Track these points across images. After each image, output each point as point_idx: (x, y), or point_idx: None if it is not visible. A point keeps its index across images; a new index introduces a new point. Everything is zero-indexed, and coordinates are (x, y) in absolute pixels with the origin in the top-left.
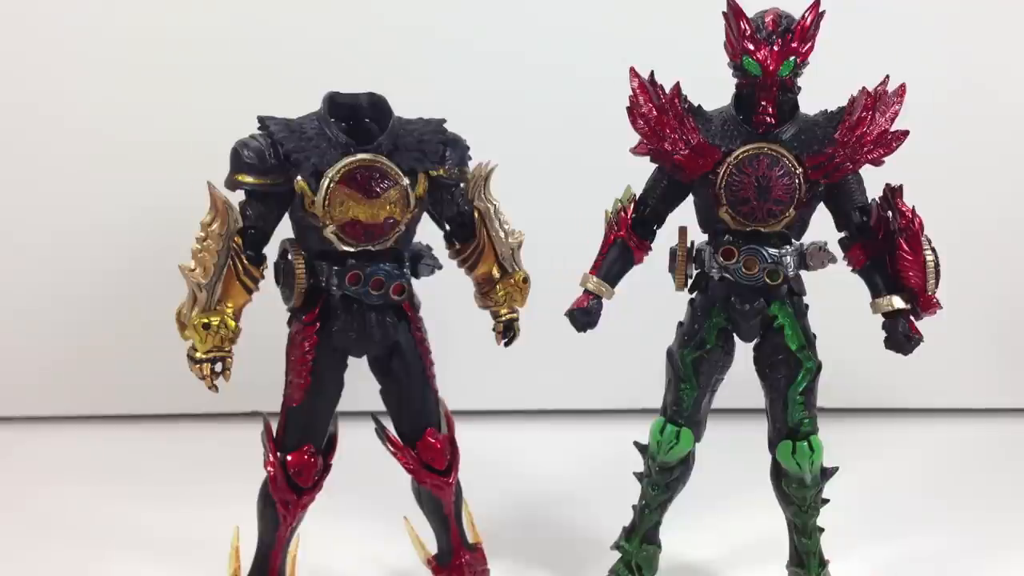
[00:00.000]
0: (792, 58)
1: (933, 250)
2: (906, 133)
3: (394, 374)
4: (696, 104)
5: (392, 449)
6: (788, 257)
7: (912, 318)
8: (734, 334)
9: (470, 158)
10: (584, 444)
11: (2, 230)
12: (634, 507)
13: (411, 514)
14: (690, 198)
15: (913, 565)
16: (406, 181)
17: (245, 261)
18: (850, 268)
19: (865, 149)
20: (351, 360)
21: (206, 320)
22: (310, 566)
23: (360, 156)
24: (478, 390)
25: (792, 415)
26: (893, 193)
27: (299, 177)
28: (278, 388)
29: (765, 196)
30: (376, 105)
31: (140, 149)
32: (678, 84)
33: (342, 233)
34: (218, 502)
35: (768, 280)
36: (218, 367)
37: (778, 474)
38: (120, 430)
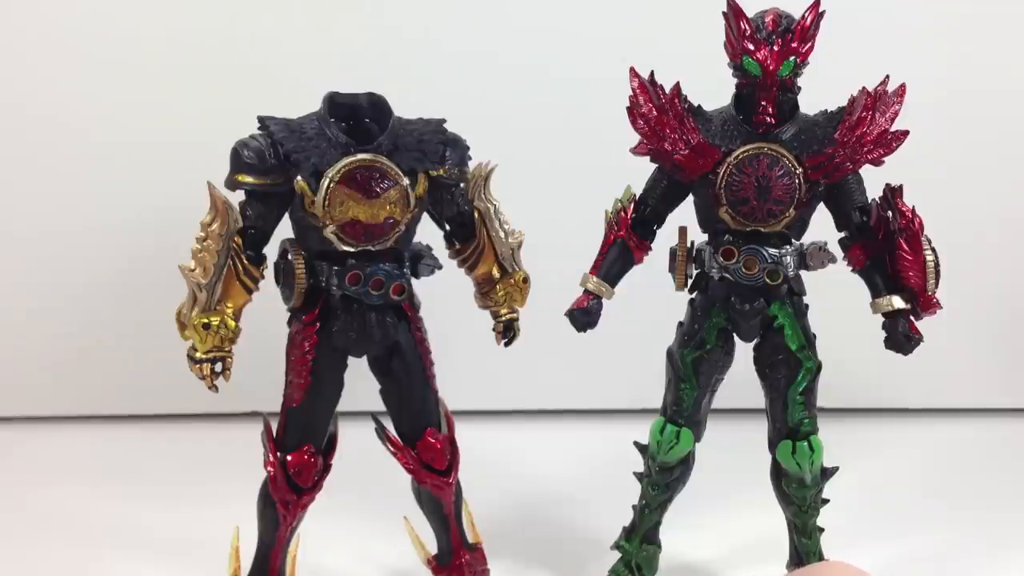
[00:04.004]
0: (792, 58)
1: (933, 250)
2: (906, 133)
3: (394, 374)
4: (696, 104)
5: (392, 449)
6: (788, 257)
7: (912, 318)
8: (734, 334)
9: (470, 158)
10: (584, 444)
11: (1, 230)
12: (634, 507)
13: (411, 514)
14: (690, 198)
15: (913, 565)
16: (406, 181)
17: (245, 261)
18: (850, 268)
19: (865, 149)
20: (351, 360)
21: (206, 320)
22: (310, 566)
23: (360, 156)
24: (478, 390)
25: (792, 415)
26: (893, 193)
27: (299, 177)
28: (278, 388)
29: (765, 196)
30: (376, 105)
31: (140, 149)
32: (678, 84)
33: (342, 233)
34: (218, 502)
35: (768, 280)
36: (218, 367)
37: (778, 474)
38: (120, 430)
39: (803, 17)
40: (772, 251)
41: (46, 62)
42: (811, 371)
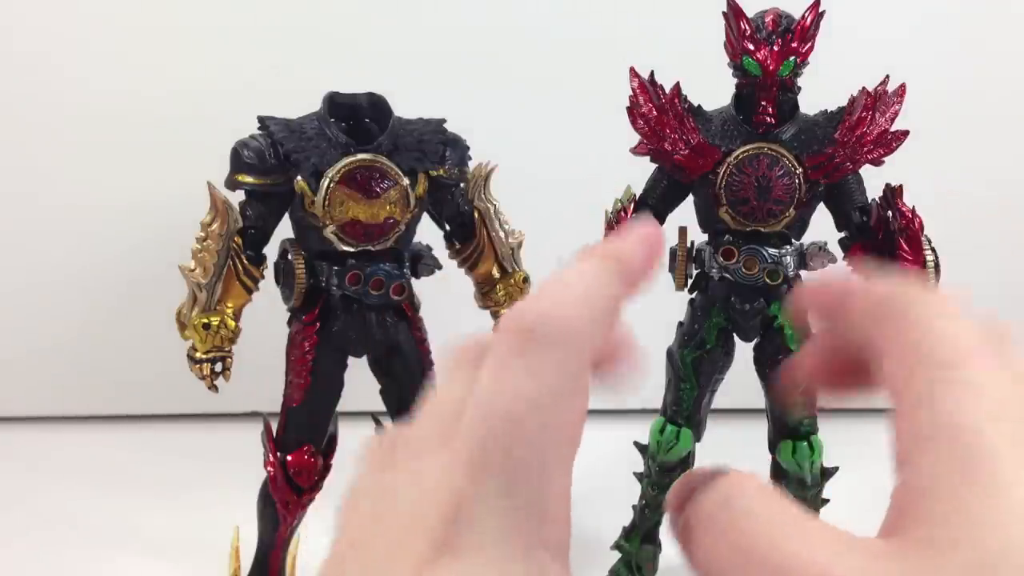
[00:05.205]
0: (792, 58)
1: (933, 250)
2: (906, 133)
3: (395, 374)
4: (696, 104)
5: None
6: (788, 257)
7: None
8: (734, 334)
9: (470, 158)
10: (584, 444)
11: (1, 229)
12: (634, 507)
13: None
14: (690, 198)
15: None
16: (406, 181)
17: (245, 261)
18: (850, 268)
19: (865, 149)
20: (351, 360)
21: (206, 320)
22: (310, 567)
23: (360, 156)
24: None
25: (792, 415)
26: (893, 193)
27: (299, 177)
28: (278, 388)
29: (765, 196)
30: (376, 105)
31: (140, 149)
32: (678, 84)
33: (342, 233)
34: (218, 502)
35: (768, 280)
36: (218, 367)
37: (778, 474)
38: (120, 430)
39: (803, 17)
40: (772, 251)
41: (42, 61)
42: None
